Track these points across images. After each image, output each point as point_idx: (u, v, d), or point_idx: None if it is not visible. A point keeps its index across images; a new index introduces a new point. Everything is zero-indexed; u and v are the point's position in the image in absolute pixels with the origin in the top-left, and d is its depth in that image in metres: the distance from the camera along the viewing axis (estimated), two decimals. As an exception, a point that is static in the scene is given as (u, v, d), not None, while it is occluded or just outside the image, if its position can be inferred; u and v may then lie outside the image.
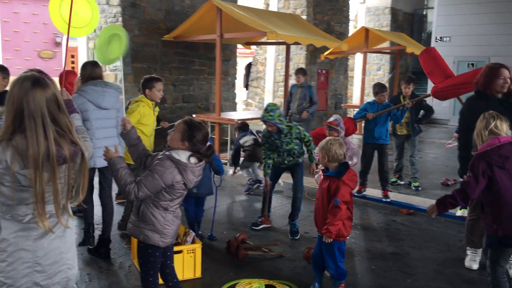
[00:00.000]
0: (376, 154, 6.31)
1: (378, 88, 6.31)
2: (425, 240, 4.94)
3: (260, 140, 6.62)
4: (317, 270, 3.65)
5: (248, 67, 24.25)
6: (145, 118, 4.62)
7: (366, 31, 11.66)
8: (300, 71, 8.24)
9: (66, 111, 2.22)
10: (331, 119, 5.24)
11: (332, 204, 3.37)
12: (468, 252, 4.30)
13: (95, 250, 4.33)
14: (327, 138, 3.58)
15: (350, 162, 5.26)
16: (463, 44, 15.27)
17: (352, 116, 7.09)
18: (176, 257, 3.63)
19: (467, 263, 4.23)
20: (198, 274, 3.97)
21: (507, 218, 2.91)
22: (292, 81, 12.73)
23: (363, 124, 6.89)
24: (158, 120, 5.17)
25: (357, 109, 12.75)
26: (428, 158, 9.79)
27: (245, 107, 15.94)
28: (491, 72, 3.96)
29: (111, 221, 4.42)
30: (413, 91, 6.98)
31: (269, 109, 4.75)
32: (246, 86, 24.43)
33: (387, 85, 17.52)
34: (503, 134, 3.08)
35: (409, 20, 18.44)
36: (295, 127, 4.85)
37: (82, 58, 9.65)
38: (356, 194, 6.22)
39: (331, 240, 3.39)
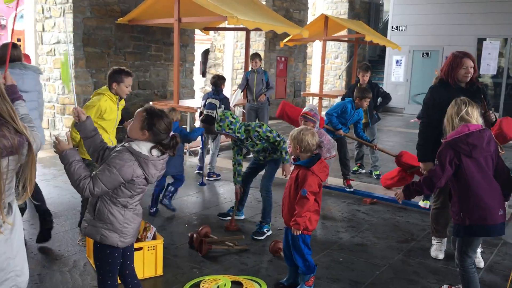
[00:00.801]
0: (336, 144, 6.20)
1: (362, 93, 6.00)
2: (390, 230, 4.91)
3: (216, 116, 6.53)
4: (289, 262, 3.51)
5: (205, 53, 23.83)
6: (107, 113, 4.17)
7: (325, 18, 11.56)
8: (257, 56, 8.04)
9: (7, 98, 1.95)
10: (306, 109, 5.02)
11: (299, 195, 3.24)
12: (434, 241, 4.29)
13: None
14: (300, 127, 3.43)
15: (328, 155, 5.14)
16: (418, 34, 15.53)
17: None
18: (136, 254, 3.40)
19: (433, 253, 4.22)
20: (160, 271, 3.75)
21: (474, 207, 2.87)
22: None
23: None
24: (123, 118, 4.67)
25: (316, 97, 12.81)
26: (386, 146, 9.85)
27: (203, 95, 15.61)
28: (454, 61, 3.92)
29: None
30: (370, 79, 7.00)
31: (219, 119, 4.50)
32: (203, 73, 24.04)
33: (344, 73, 17.72)
34: (473, 121, 3.02)
35: (366, 9, 18.59)
36: (253, 129, 4.46)
37: (29, 42, 9.08)
38: (349, 189, 6.14)
39: (300, 232, 3.26)
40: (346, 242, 4.52)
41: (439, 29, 15.15)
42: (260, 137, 4.47)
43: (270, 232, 4.62)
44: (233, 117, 4.48)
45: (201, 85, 16.54)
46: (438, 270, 3.97)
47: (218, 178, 6.73)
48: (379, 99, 7.13)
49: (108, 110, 4.16)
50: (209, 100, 6.73)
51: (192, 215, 5.18)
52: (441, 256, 4.17)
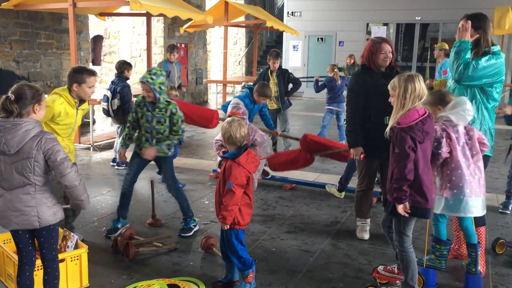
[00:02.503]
0: None
1: (262, 90, 5.48)
2: (314, 214, 4.99)
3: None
4: (226, 259, 3.38)
5: (94, 40, 22.43)
6: (61, 117, 3.62)
7: (225, 4, 11.44)
8: (175, 48, 8.39)
9: None
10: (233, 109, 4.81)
11: (226, 188, 3.12)
12: (358, 223, 4.42)
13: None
14: (228, 119, 3.28)
15: (264, 155, 4.97)
16: (313, 19, 16.04)
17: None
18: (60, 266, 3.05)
19: (359, 234, 4.35)
20: (86, 283, 3.42)
21: (417, 191, 2.95)
22: (156, 56, 12.07)
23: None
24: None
25: (220, 84, 12.68)
26: (293, 131, 10.07)
27: (99, 84, 14.71)
28: (373, 47, 4.02)
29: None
30: (280, 65, 7.03)
31: (153, 72, 4.08)
32: (93, 61, 22.61)
33: (244, 59, 17.78)
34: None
35: (262, -5, 18.77)
36: (174, 104, 4.21)
37: None
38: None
39: (227, 226, 3.15)
40: (276, 231, 4.50)
41: (332, 15, 15.77)
42: (175, 115, 4.17)
43: (197, 227, 4.45)
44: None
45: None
46: (366, 250, 4.10)
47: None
48: (290, 85, 7.19)
49: (63, 114, 3.61)
50: (103, 92, 6.60)
51: (111, 216, 4.81)
52: (366, 236, 4.32)
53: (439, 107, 3.35)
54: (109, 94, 6.41)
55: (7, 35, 8.20)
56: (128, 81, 6.63)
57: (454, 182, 3.25)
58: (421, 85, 2.95)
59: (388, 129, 3.00)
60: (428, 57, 15.66)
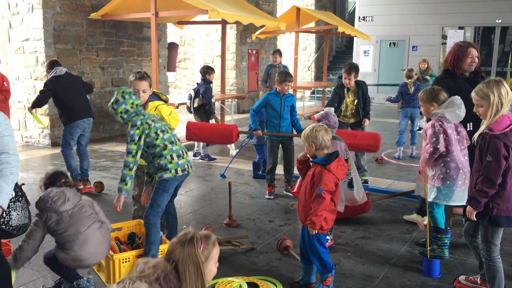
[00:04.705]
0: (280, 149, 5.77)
1: (281, 75, 5.44)
2: (389, 221, 4.93)
3: None
4: (305, 260, 3.45)
5: (169, 47, 23.40)
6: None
7: (297, 10, 11.54)
8: (277, 52, 9.24)
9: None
10: (317, 116, 4.52)
11: (315, 193, 3.17)
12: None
13: None
14: (312, 125, 3.35)
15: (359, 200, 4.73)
16: (385, 24, 15.76)
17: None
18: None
19: None
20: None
21: (505, 199, 2.88)
22: (229, 62, 12.42)
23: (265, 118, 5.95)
24: None
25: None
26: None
27: (174, 90, 15.33)
28: (460, 51, 3.94)
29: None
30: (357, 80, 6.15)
31: (115, 100, 3.42)
32: (168, 67, 23.60)
33: (313, 65, 17.79)
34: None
35: (332, 0, 18.70)
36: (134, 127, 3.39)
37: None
38: (266, 196, 5.66)
39: (315, 231, 3.20)
40: (349, 236, 4.50)
41: (405, 19, 15.42)
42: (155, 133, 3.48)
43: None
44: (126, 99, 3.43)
45: (170, 79, 16.23)
46: (445, 260, 4.00)
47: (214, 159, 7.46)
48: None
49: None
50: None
51: (189, 215, 5.04)
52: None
53: (433, 104, 3.64)
54: (192, 93, 7.27)
55: (94, 44, 8.79)
56: (211, 84, 7.35)
57: (448, 174, 3.60)
58: (509, 89, 2.90)
59: (476, 135, 2.94)
60: (510, 61, 14.89)
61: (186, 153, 3.67)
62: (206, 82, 7.21)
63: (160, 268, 1.91)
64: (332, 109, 4.62)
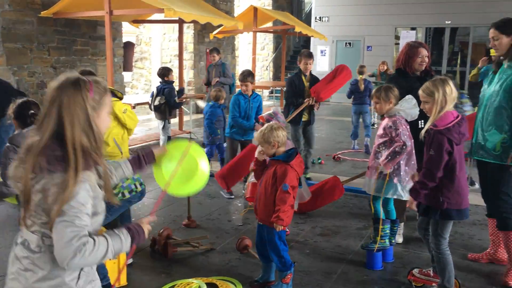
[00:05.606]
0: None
1: (242, 75, 5.54)
2: (347, 217, 5.02)
3: None
4: (263, 259, 3.46)
5: (124, 47, 22.92)
6: None
7: (254, 9, 11.55)
8: (214, 50, 8.87)
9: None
10: (265, 115, 4.72)
11: (280, 190, 3.18)
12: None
13: None
14: (267, 124, 3.35)
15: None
16: (341, 24, 16.03)
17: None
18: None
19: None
20: (124, 281, 3.54)
21: (455, 192, 2.99)
22: (186, 61, 12.29)
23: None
24: None
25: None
26: (321, 135, 10.11)
27: (131, 90, 15.04)
28: (410, 51, 4.05)
29: None
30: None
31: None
32: (124, 67, 23.12)
33: (271, 64, 17.88)
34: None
35: (289, 1, 18.87)
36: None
37: None
38: (226, 195, 5.63)
39: (282, 228, 3.21)
40: (308, 233, 4.56)
41: (360, 19, 15.74)
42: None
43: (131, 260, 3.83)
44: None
45: (126, 79, 15.92)
46: (400, 253, 4.11)
47: None
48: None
49: None
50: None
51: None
52: (400, 240, 4.33)
53: (390, 101, 3.68)
54: (155, 91, 7.41)
55: (45, 42, 8.49)
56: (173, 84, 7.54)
57: (407, 171, 3.66)
58: (454, 88, 3.02)
59: (423, 132, 3.05)
60: (459, 61, 15.47)
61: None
62: (167, 83, 7.36)
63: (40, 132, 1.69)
64: (279, 109, 4.83)
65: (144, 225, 1.93)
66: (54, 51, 8.72)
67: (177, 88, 7.98)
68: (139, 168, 2.28)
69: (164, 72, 7.44)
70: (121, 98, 4.16)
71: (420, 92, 3.10)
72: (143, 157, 2.27)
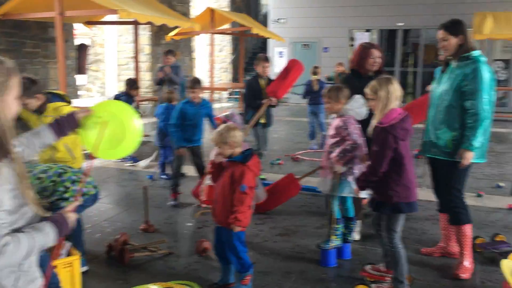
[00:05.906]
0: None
1: (191, 83, 5.39)
2: (305, 217, 5.07)
3: None
4: (222, 261, 3.44)
5: (79, 49, 22.34)
6: None
7: (211, 11, 11.53)
8: (169, 52, 8.40)
9: None
10: (222, 117, 4.78)
11: (238, 191, 3.18)
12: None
13: None
14: (223, 126, 3.34)
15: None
16: (298, 26, 16.22)
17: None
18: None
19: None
20: (80, 289, 3.44)
21: (403, 186, 3.08)
22: (143, 64, 12.08)
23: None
24: None
25: (208, 91, 12.73)
26: (280, 136, 10.19)
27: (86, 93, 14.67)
28: (363, 52, 4.15)
29: None
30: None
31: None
32: (78, 69, 22.53)
33: (230, 66, 17.87)
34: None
35: (246, 2, 18.91)
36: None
37: None
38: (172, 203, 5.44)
39: (240, 229, 3.20)
40: (267, 234, 4.57)
41: (316, 21, 15.98)
42: None
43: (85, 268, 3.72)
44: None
45: (81, 82, 15.51)
46: (357, 250, 4.18)
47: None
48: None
49: None
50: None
51: (103, 222, 4.84)
52: (357, 237, 4.41)
53: (341, 101, 3.73)
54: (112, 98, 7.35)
55: (-7, 45, 8.17)
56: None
57: (361, 169, 3.64)
58: (398, 87, 3.12)
59: (371, 129, 3.15)
60: (412, 62, 15.94)
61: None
62: (128, 95, 7.18)
63: None
64: (236, 111, 4.78)
65: (67, 214, 1.84)
66: (3, 54, 8.37)
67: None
68: (60, 134, 2.21)
69: (131, 85, 7.26)
70: (69, 103, 4.02)
71: (366, 90, 3.19)
72: (63, 122, 2.19)
